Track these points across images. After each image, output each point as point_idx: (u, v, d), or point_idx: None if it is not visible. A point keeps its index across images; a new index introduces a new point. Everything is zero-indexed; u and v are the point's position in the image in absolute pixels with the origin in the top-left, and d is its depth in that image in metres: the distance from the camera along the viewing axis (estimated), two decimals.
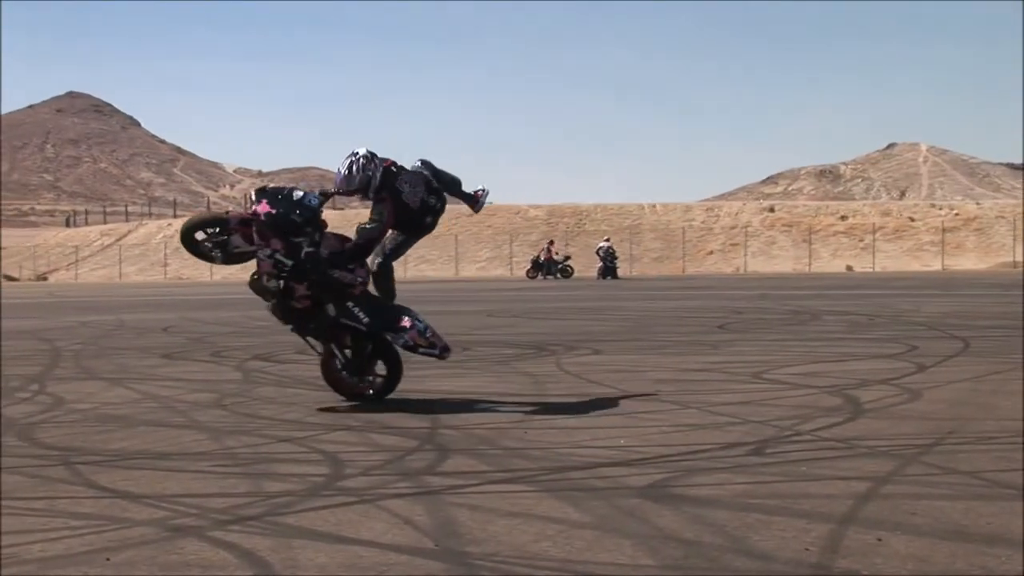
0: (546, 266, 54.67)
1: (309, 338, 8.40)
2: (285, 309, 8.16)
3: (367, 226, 8.22)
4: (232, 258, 8.39)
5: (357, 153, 8.28)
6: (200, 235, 8.34)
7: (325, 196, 8.35)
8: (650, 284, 42.05)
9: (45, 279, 76.14)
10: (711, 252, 70.43)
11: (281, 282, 8.06)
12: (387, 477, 5.44)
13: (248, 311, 23.63)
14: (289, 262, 7.98)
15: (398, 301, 8.47)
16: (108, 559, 3.98)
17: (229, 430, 7.05)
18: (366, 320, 8.04)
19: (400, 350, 8.14)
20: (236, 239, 8.21)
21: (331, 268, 8.07)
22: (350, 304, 8.08)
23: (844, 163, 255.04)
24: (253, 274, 8.27)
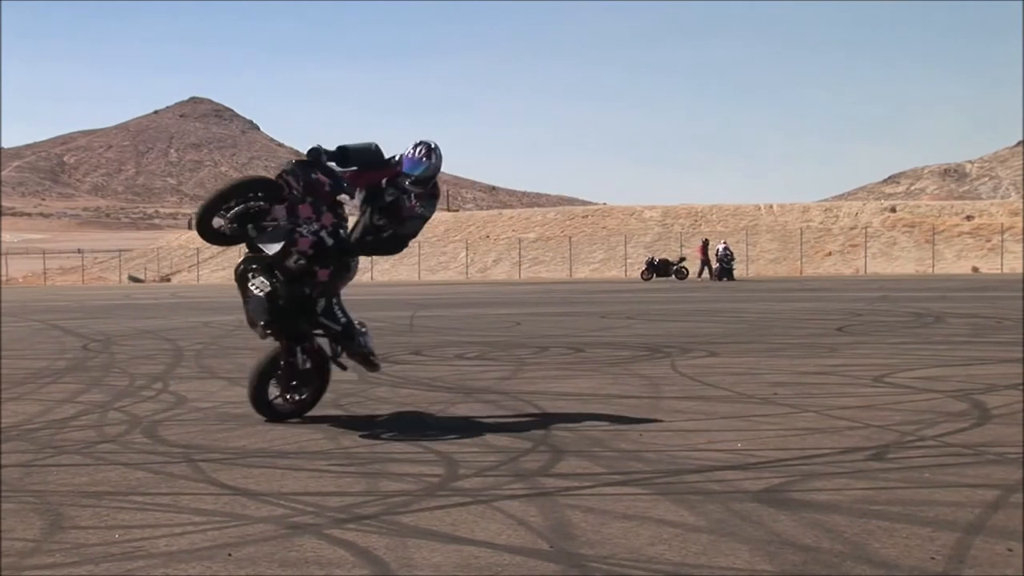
0: (705, 264, 54.20)
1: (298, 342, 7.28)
2: (290, 299, 7.00)
3: (419, 218, 7.38)
4: (263, 237, 6.94)
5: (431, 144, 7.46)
6: (217, 220, 7.01)
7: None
8: (767, 286, 41.47)
9: (168, 280, 78.16)
10: (829, 253, 69.13)
11: (303, 263, 6.96)
12: (501, 478, 5.45)
13: (362, 313, 23.92)
14: (331, 242, 7.00)
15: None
16: (230, 555, 4.06)
17: (345, 430, 7.13)
18: (344, 320, 7.28)
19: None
20: (280, 211, 6.93)
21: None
22: (334, 300, 7.28)
23: (970, 161, 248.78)
24: (247, 259, 7.15)
